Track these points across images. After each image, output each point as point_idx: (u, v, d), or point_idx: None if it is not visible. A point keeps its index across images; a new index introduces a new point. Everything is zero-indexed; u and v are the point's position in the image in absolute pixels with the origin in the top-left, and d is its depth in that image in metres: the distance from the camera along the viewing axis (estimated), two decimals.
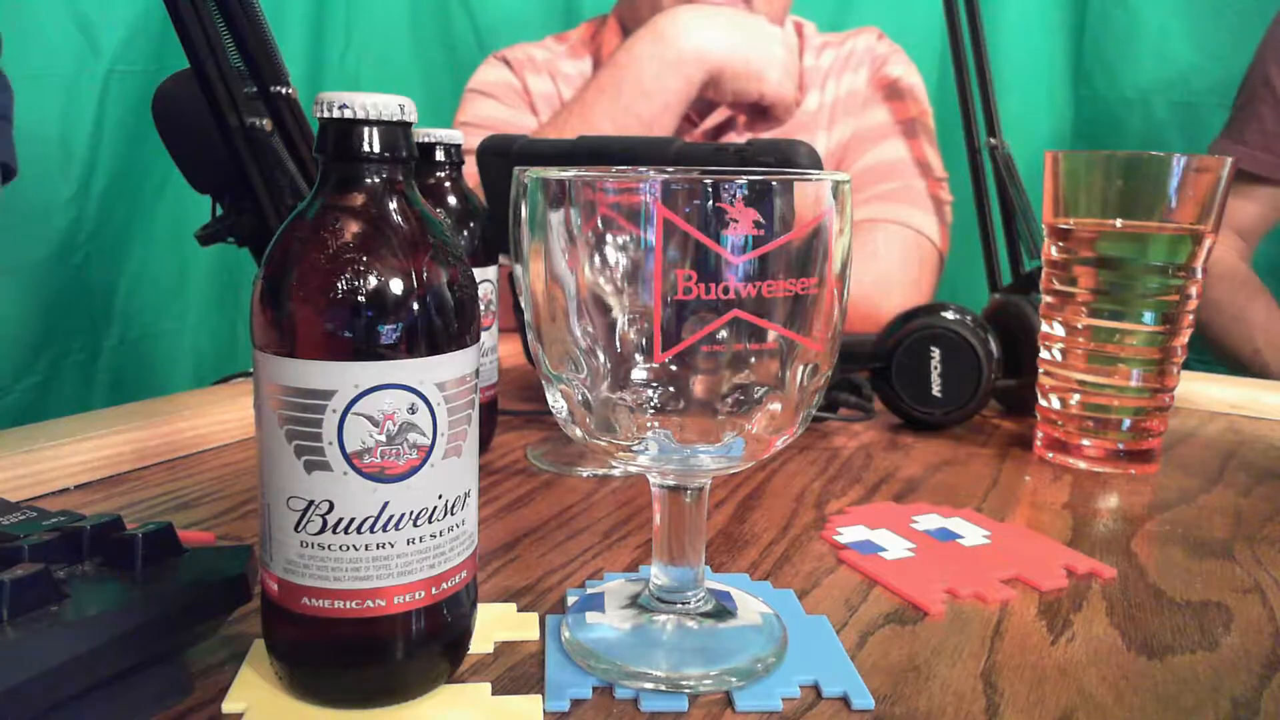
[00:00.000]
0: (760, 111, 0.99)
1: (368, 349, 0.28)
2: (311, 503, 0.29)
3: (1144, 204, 0.57)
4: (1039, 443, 0.63)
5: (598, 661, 0.34)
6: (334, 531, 0.29)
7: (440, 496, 0.30)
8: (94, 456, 0.53)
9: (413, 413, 0.29)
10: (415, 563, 0.30)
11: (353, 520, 0.29)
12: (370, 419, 0.28)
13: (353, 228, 0.29)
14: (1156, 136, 1.11)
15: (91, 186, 1.03)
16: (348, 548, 0.29)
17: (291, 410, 0.28)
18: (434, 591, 0.31)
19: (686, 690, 0.33)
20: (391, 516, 0.29)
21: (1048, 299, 0.62)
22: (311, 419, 0.28)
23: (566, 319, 0.32)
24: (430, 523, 0.30)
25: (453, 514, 0.31)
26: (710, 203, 0.29)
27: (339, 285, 0.28)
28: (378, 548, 0.29)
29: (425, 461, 0.29)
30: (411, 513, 0.29)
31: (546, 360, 0.33)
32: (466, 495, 0.31)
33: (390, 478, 0.29)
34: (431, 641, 0.31)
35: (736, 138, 1.05)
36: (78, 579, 0.31)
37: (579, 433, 0.33)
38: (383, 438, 0.29)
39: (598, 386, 0.32)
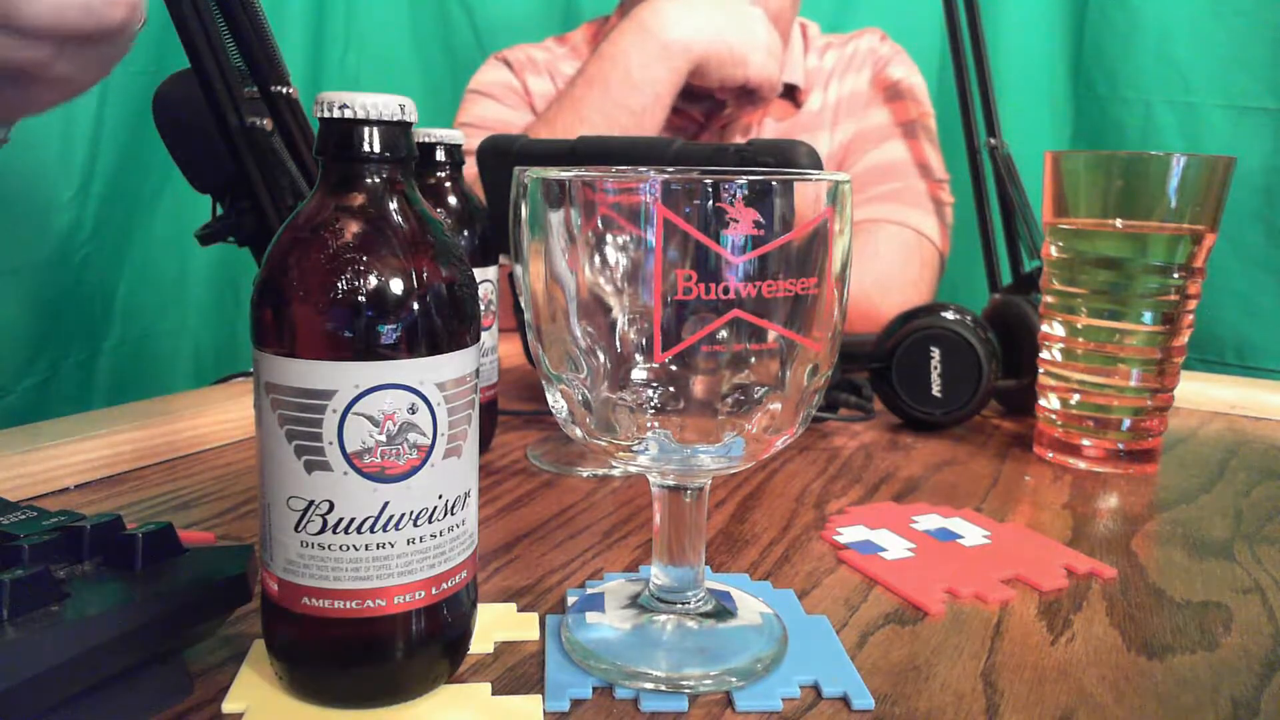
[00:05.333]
0: (747, 94, 0.99)
1: (368, 349, 0.28)
2: (312, 503, 0.29)
3: (1144, 204, 0.57)
4: (1039, 443, 0.63)
5: (598, 662, 0.34)
6: (334, 531, 0.29)
7: (440, 496, 0.30)
8: (94, 456, 0.53)
9: (413, 413, 0.29)
10: (415, 563, 0.30)
11: (353, 520, 0.29)
12: (370, 419, 0.28)
13: (353, 228, 0.29)
14: (1156, 136, 1.10)
15: (91, 187, 1.03)
16: (348, 548, 0.29)
17: (292, 410, 0.28)
18: (434, 591, 0.31)
19: (686, 690, 0.33)
20: (392, 516, 0.29)
21: (1048, 299, 0.62)
22: (312, 419, 0.28)
23: (567, 319, 0.32)
24: (430, 523, 0.30)
25: (453, 514, 0.31)
26: (710, 203, 0.29)
27: (339, 285, 0.28)
28: (378, 548, 0.29)
29: (425, 461, 0.29)
30: (412, 513, 0.29)
31: (547, 360, 0.33)
32: (467, 495, 0.31)
33: (390, 478, 0.29)
34: (431, 641, 0.31)
35: (742, 138, 1.06)
36: (78, 579, 0.31)
37: (579, 433, 0.33)
38: (383, 438, 0.29)
39: (598, 386, 0.32)
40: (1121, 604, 0.41)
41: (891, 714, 0.32)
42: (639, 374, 0.31)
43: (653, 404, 0.31)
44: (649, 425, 0.32)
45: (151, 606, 0.30)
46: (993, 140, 0.85)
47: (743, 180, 0.29)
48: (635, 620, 0.36)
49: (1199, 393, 0.77)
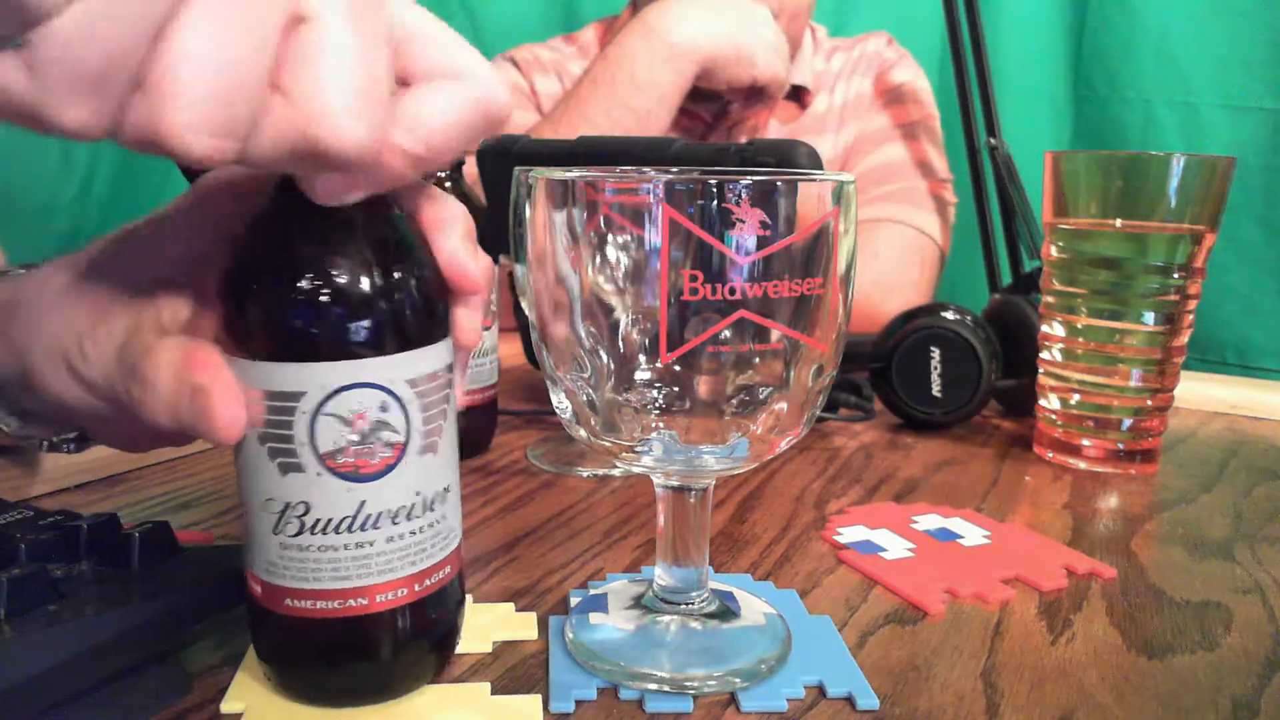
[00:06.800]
0: (755, 93, 0.99)
1: (334, 349, 0.28)
2: (288, 505, 0.29)
3: (1144, 204, 0.57)
4: (1039, 443, 0.63)
5: (602, 662, 0.34)
6: (311, 532, 0.29)
7: (418, 493, 0.30)
8: (94, 456, 0.53)
9: (384, 411, 0.29)
10: (396, 561, 0.30)
11: (330, 520, 0.29)
12: (341, 419, 0.28)
13: (313, 225, 0.28)
14: (1156, 136, 1.11)
15: (93, 188, 1.03)
16: (326, 548, 0.29)
17: (262, 413, 0.28)
18: (417, 589, 0.30)
19: (691, 691, 0.32)
20: (369, 515, 0.29)
21: (1048, 299, 0.62)
22: (282, 421, 0.28)
23: (570, 319, 0.32)
24: (409, 520, 0.30)
25: (432, 510, 0.30)
26: (715, 203, 0.29)
27: (300, 286, 0.28)
28: (356, 547, 0.29)
29: (400, 459, 0.29)
30: (389, 511, 0.29)
31: (550, 361, 0.33)
32: (446, 491, 0.31)
33: (365, 477, 0.29)
34: (417, 639, 0.31)
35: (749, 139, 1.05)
36: (75, 578, 0.31)
37: (583, 433, 0.33)
38: (355, 437, 0.28)
39: (602, 387, 0.32)
40: (1121, 604, 0.41)
41: (892, 714, 0.32)
42: (644, 375, 0.31)
43: (658, 405, 0.31)
44: (654, 426, 0.32)
45: (148, 606, 0.30)
46: (993, 140, 0.85)
47: (748, 180, 0.29)
48: (639, 621, 0.36)
49: (1199, 393, 0.77)
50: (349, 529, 0.29)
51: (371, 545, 0.29)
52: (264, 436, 0.28)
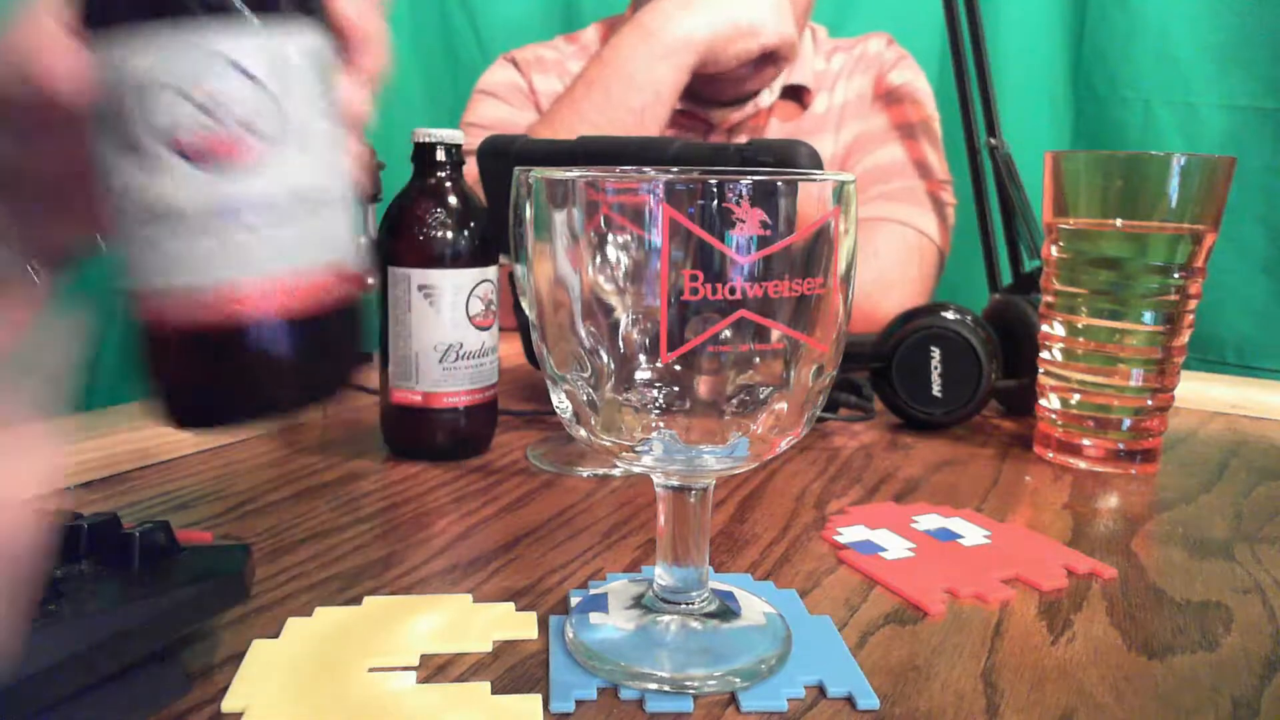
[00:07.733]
0: (768, 58, 0.98)
1: (171, 9, 0.25)
2: (129, 188, 0.26)
3: (1144, 204, 0.57)
4: (1039, 443, 0.63)
5: (602, 663, 0.34)
6: (167, 224, 0.26)
7: (291, 191, 0.27)
8: (94, 456, 0.53)
9: (236, 88, 0.26)
10: (268, 258, 0.27)
11: (183, 211, 0.26)
12: (183, 94, 0.26)
13: None
14: (1156, 136, 1.11)
15: None
16: (184, 240, 0.26)
17: (105, 97, 0.26)
18: (296, 293, 0.28)
19: (691, 691, 0.32)
20: (229, 207, 0.26)
21: (1048, 299, 0.62)
22: (121, 100, 0.26)
23: (571, 319, 0.32)
24: (281, 219, 0.27)
25: (313, 216, 0.28)
26: (716, 203, 0.29)
27: None
28: (218, 238, 0.26)
29: (264, 149, 0.26)
30: (252, 204, 0.26)
31: (551, 361, 0.33)
32: (329, 195, 0.28)
33: (222, 165, 0.26)
34: (301, 342, 0.28)
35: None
36: (75, 578, 0.31)
37: (584, 433, 0.33)
38: (204, 117, 0.26)
39: (603, 387, 0.32)
40: (1121, 604, 0.41)
41: (892, 714, 0.32)
42: (644, 374, 0.31)
43: (658, 404, 0.31)
44: (654, 426, 0.32)
45: (148, 605, 0.30)
46: (993, 140, 0.85)
47: (748, 180, 0.29)
48: (639, 621, 0.36)
49: (1199, 393, 0.77)
50: (208, 218, 0.26)
51: (237, 239, 0.26)
52: (104, 122, 0.26)
